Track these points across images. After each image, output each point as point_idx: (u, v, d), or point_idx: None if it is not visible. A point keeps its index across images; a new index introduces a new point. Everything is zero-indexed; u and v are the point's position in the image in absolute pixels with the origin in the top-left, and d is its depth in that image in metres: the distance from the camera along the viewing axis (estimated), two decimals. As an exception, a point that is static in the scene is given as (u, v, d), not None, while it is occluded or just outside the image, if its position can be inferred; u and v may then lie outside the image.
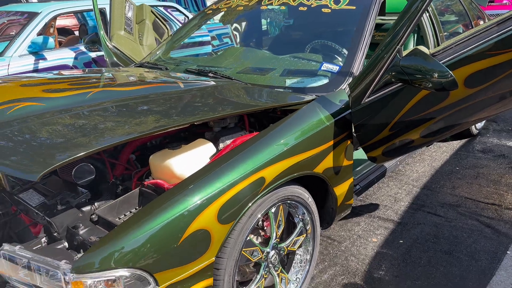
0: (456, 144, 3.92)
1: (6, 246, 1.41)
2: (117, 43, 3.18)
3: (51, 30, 5.22)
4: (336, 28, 2.53)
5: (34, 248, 1.43)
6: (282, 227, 1.87)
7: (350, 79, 2.13)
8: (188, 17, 5.35)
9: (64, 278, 1.29)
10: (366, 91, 1.89)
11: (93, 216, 1.57)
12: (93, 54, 4.30)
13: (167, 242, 1.39)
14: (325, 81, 2.17)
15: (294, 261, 2.04)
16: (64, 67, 4.16)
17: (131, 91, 1.81)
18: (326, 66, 2.20)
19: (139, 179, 1.82)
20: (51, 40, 4.02)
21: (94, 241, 1.39)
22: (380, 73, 1.84)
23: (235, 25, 4.42)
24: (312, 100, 2.00)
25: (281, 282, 1.93)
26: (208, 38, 4.93)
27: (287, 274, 1.98)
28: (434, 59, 1.75)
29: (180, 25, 5.28)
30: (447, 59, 1.87)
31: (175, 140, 2.02)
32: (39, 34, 4.13)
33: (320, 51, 2.54)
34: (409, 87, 1.91)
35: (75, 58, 4.23)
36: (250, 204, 1.60)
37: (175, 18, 5.29)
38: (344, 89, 2.10)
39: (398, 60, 1.81)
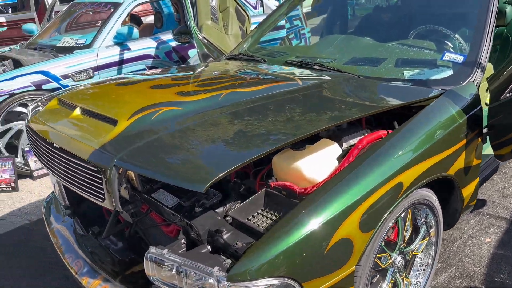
0: None
1: (153, 249, 1.45)
2: (206, 33, 3.16)
3: (126, 18, 5.33)
4: (453, 11, 2.32)
5: (179, 252, 1.46)
6: (409, 232, 1.78)
7: (479, 70, 1.95)
8: (262, 0, 5.24)
9: (218, 285, 1.30)
10: (507, 86, 1.71)
11: (228, 218, 1.57)
12: (173, 43, 4.34)
13: (314, 251, 1.35)
14: (449, 72, 2.00)
15: (413, 265, 1.95)
16: (147, 57, 4.24)
17: (257, 91, 1.76)
18: (449, 55, 2.03)
19: (261, 179, 1.79)
20: (135, 31, 4.10)
21: (241, 247, 1.38)
22: (528, 66, 1.66)
23: (317, 8, 4.25)
24: (440, 94, 1.85)
25: (404, 287, 1.85)
26: (283, 22, 4.80)
27: (409, 278, 1.90)
28: None
29: (252, 9, 5.19)
30: None
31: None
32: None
33: (428, 37, 2.35)
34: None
35: (157, 47, 4.30)
36: (389, 210, 1.52)
37: (247, 2, 5.20)
38: (473, 81, 1.93)
39: (551, 51, 1.61)
